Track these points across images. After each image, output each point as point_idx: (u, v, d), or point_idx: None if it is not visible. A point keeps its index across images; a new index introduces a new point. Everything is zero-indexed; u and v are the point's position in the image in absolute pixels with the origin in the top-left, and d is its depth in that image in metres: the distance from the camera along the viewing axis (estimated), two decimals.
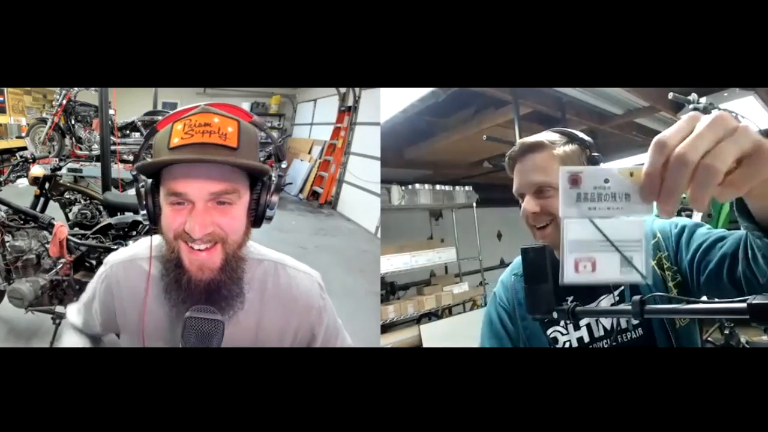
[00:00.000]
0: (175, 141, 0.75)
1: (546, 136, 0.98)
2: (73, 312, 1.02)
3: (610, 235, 0.52)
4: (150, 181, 0.81)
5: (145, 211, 0.81)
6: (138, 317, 0.86)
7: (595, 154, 0.97)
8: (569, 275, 0.53)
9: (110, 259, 0.93)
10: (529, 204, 0.94)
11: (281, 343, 0.90)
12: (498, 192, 4.88)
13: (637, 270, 0.52)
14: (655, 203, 0.47)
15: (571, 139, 0.97)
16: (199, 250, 0.77)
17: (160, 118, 0.82)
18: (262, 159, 0.88)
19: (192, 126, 0.75)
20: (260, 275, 0.89)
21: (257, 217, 0.82)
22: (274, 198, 0.82)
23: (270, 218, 0.83)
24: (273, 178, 0.83)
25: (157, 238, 0.85)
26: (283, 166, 0.85)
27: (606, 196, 0.49)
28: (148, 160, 0.78)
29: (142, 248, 0.90)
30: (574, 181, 0.50)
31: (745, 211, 0.61)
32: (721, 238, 0.84)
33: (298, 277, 0.92)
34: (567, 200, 0.50)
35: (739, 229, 0.84)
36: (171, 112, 0.81)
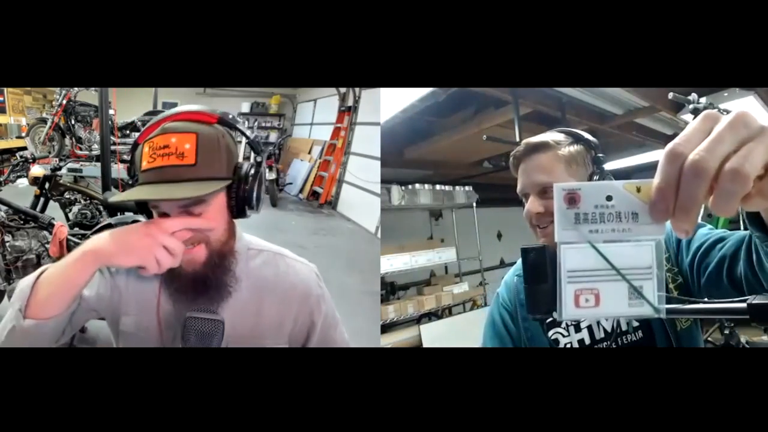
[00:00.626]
0: (144, 164, 0.80)
1: (551, 136, 0.97)
2: None
3: (615, 262, 0.44)
4: None
5: (144, 214, 0.89)
6: (144, 300, 0.89)
7: (600, 154, 0.97)
8: (569, 310, 0.46)
9: None
10: (533, 204, 0.94)
11: (281, 331, 0.92)
12: (498, 192, 4.87)
13: (648, 302, 0.44)
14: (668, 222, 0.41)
15: (576, 139, 0.97)
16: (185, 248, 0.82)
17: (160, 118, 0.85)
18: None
19: (154, 149, 0.80)
20: (259, 264, 0.92)
21: (239, 209, 0.84)
22: (254, 187, 0.84)
23: (254, 207, 0.85)
24: (251, 170, 0.84)
25: None
26: (258, 160, 0.88)
27: (610, 216, 0.42)
28: (119, 198, 0.84)
29: None
30: (572, 200, 0.43)
31: (757, 220, 0.56)
32: (721, 239, 0.83)
33: (296, 266, 0.95)
34: (564, 222, 0.43)
35: (737, 229, 0.84)
36: (167, 112, 0.85)
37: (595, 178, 0.95)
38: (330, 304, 0.98)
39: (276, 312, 0.91)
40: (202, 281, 0.84)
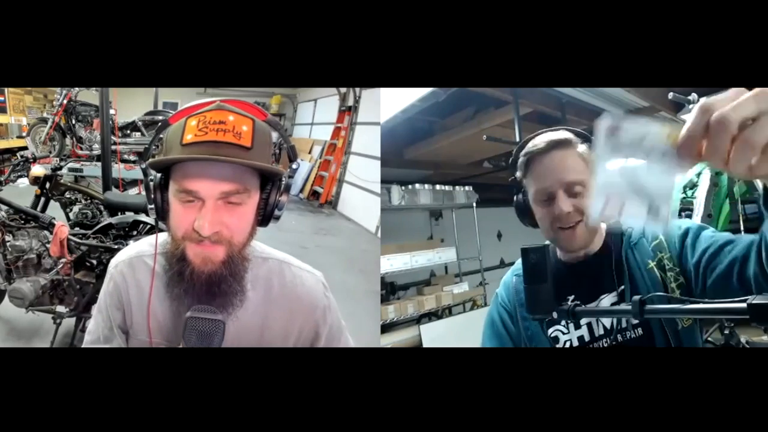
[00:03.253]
0: (189, 137, 0.74)
1: (564, 133, 0.95)
2: (88, 342, 0.96)
3: (640, 182, 0.52)
4: (159, 176, 0.81)
5: (153, 206, 0.81)
6: (142, 314, 0.86)
7: None
8: (596, 214, 0.53)
9: (114, 259, 0.93)
10: (564, 203, 0.91)
11: (285, 342, 0.90)
12: (498, 192, 4.87)
13: (662, 219, 0.51)
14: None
15: (584, 139, 0.96)
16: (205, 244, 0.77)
17: (160, 117, 0.82)
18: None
19: (206, 123, 0.74)
20: (265, 273, 0.89)
21: (265, 216, 0.82)
22: (283, 198, 0.82)
23: (278, 217, 0.83)
24: (283, 179, 0.82)
25: (161, 236, 0.85)
26: (295, 167, 0.84)
27: (644, 149, 0.50)
28: (161, 156, 0.77)
29: (146, 246, 0.90)
30: (613, 130, 0.51)
31: None
32: (729, 242, 0.83)
33: (303, 276, 0.92)
34: (604, 145, 0.51)
35: (737, 229, 0.84)
36: (171, 112, 0.80)
37: None
38: (335, 313, 0.95)
39: (281, 324, 0.89)
40: (217, 283, 0.79)
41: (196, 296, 0.79)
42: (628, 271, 0.94)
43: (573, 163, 0.92)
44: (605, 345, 0.97)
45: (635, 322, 0.94)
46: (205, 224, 0.74)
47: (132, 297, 0.88)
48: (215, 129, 0.73)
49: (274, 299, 0.89)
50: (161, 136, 0.82)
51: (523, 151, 0.97)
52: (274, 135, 0.86)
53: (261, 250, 0.90)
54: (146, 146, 0.86)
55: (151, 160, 0.78)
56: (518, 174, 1.00)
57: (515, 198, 1.01)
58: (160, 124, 0.82)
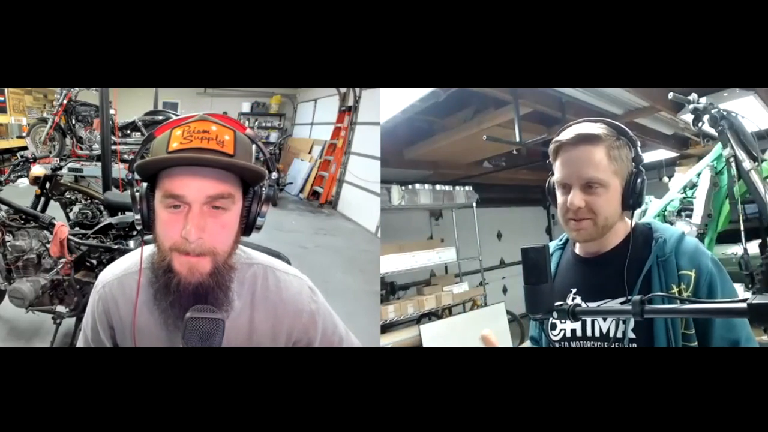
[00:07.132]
0: (174, 145, 0.77)
1: (599, 128, 0.93)
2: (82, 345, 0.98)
3: None
4: (145, 185, 0.82)
5: (139, 216, 0.82)
6: (129, 328, 0.87)
7: (640, 154, 0.95)
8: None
9: (101, 279, 0.93)
10: (576, 198, 0.91)
11: (275, 344, 0.90)
12: (498, 192, 4.87)
13: None
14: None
15: (620, 133, 0.94)
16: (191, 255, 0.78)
17: (160, 117, 0.83)
18: None
19: (191, 132, 0.78)
20: (250, 278, 0.90)
21: (248, 225, 0.84)
22: (265, 208, 0.85)
23: (259, 227, 0.85)
24: (264, 188, 0.85)
25: (147, 249, 0.85)
26: (274, 176, 0.87)
27: None
28: (148, 159, 0.80)
29: (131, 262, 0.90)
30: None
31: None
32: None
33: (287, 279, 0.92)
34: None
35: (737, 230, 0.84)
36: (171, 112, 0.82)
37: (637, 180, 0.93)
38: (327, 318, 0.95)
39: (268, 327, 0.90)
40: (204, 295, 0.80)
41: (183, 308, 0.79)
42: (648, 289, 0.89)
43: (598, 160, 0.91)
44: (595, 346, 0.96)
45: (633, 336, 0.91)
46: (192, 229, 0.76)
47: (122, 314, 0.89)
48: (199, 137, 0.77)
49: (258, 303, 0.89)
50: (148, 146, 0.84)
51: (554, 139, 0.97)
52: (273, 136, 0.87)
53: (246, 255, 0.91)
54: (133, 158, 0.88)
55: (138, 162, 0.81)
56: (550, 159, 1.00)
57: (548, 180, 1.02)
58: (146, 136, 0.85)
